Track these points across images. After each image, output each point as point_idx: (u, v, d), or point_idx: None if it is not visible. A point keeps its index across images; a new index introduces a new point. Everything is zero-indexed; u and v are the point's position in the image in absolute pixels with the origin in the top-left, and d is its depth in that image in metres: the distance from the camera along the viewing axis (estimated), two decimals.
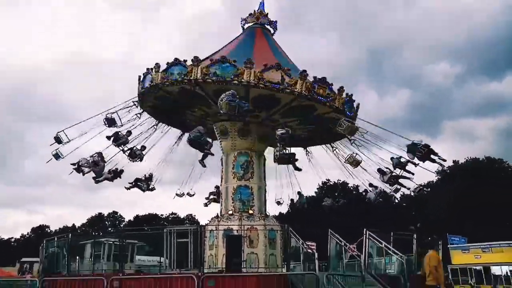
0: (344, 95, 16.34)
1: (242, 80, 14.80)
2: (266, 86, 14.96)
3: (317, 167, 20.63)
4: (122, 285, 12.29)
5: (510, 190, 48.26)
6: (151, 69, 16.33)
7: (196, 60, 15.20)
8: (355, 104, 17.13)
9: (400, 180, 17.61)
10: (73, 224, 73.91)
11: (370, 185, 19.22)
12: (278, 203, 21.75)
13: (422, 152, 15.85)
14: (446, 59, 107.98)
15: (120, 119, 17.14)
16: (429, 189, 59.17)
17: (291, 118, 17.18)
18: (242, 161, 17.73)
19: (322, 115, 16.74)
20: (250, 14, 19.82)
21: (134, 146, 18.21)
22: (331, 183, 55.48)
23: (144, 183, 19.36)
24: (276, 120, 17.31)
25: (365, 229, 15.05)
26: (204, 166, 17.07)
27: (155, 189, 19.91)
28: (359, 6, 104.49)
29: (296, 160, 17.19)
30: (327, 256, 16.06)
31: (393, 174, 17.35)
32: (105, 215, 75.68)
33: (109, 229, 63.61)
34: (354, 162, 17.76)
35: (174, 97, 16.68)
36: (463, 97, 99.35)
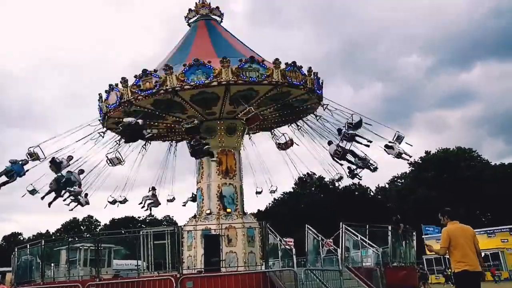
0: (312, 75, 16.38)
1: (221, 79, 14.67)
2: (245, 82, 14.84)
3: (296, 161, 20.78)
4: None
5: (480, 179, 49.87)
6: (116, 85, 15.73)
7: (169, 68, 14.90)
8: (320, 81, 17.21)
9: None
10: (47, 231, 72.27)
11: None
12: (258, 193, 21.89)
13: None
14: (418, 52, 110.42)
15: (43, 152, 15.99)
16: (403, 180, 60.58)
17: (266, 107, 17.06)
18: (197, 164, 17.88)
19: (295, 98, 16.65)
20: (189, 10, 19.11)
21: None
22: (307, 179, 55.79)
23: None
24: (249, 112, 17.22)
25: (341, 223, 15.23)
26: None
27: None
28: None
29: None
30: (306, 252, 16.23)
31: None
32: (80, 220, 74.25)
33: (85, 233, 62.34)
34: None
35: (146, 110, 16.19)
36: (433, 88, 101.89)
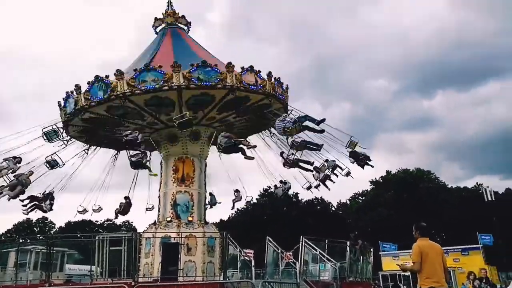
0: (273, 80, 16.19)
1: (172, 84, 14.58)
2: (197, 86, 14.76)
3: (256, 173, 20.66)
4: None
5: (437, 200, 51.61)
6: (72, 92, 15.62)
7: (120, 74, 14.71)
8: (284, 87, 17.11)
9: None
10: None
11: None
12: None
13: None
14: (384, 76, 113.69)
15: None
16: (363, 197, 61.82)
17: (228, 112, 16.93)
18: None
19: (256, 103, 16.41)
20: (155, 19, 19.37)
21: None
22: (272, 190, 56.01)
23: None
24: (213, 117, 17.09)
25: (301, 237, 15.33)
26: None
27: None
28: (307, 17, 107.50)
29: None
30: (265, 264, 16.20)
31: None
32: (34, 221, 71.20)
33: (38, 235, 59.83)
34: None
35: (102, 116, 16.08)
36: (397, 112, 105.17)
